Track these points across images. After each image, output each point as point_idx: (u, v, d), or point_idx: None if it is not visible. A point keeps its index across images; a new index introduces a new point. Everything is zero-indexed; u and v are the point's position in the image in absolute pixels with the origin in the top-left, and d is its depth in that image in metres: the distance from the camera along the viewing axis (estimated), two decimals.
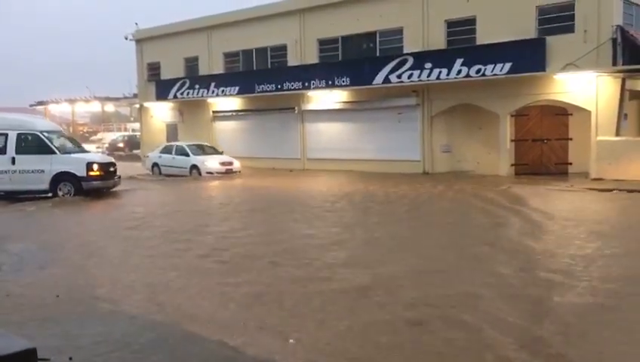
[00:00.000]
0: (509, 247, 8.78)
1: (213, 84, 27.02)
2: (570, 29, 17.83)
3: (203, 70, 28.45)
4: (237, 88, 26.04)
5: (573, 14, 17.77)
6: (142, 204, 15.69)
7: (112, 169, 17.03)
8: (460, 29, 20.19)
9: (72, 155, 16.44)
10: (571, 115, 18.87)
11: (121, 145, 40.57)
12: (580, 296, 6.28)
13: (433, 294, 6.46)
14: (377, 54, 22.39)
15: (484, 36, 19.43)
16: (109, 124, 64.19)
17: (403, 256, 8.54)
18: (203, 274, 7.54)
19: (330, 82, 22.73)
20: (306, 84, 23.46)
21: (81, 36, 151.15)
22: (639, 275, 7.19)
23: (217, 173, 21.89)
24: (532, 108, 19.32)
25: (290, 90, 23.98)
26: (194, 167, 22.36)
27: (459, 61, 19.27)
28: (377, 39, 22.51)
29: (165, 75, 30.07)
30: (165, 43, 29.96)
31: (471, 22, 19.89)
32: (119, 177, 17.55)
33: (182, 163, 22.76)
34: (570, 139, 19.10)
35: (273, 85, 24.57)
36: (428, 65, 19.97)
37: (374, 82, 21.29)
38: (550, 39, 17.98)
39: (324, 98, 23.74)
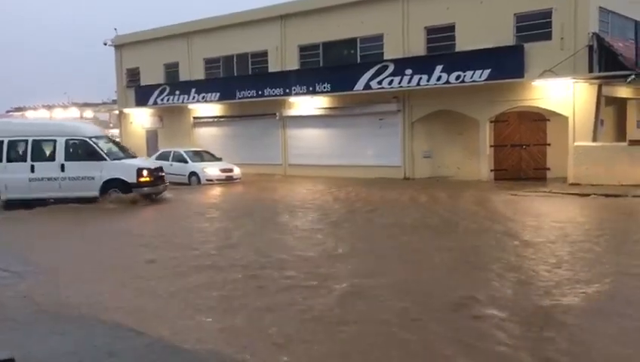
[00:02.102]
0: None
1: (193, 90, 26.91)
2: (547, 37, 18.10)
3: (183, 76, 28.32)
4: (218, 94, 25.97)
5: (551, 22, 18.04)
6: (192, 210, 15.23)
7: (160, 174, 16.68)
8: (440, 36, 20.39)
9: (122, 161, 16.19)
10: (549, 120, 19.14)
11: None
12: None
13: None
14: (358, 61, 22.50)
15: (463, 43, 19.64)
16: None
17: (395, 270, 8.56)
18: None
19: (311, 88, 22.78)
20: (287, 90, 23.48)
21: (59, 42, 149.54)
22: None
23: (217, 180, 21.11)
24: (511, 114, 19.55)
25: (271, 96, 23.98)
26: (193, 174, 21.54)
27: (439, 67, 19.45)
28: (358, 45, 22.62)
29: (145, 80, 29.88)
30: (145, 49, 29.79)
31: (450, 29, 20.10)
32: (167, 183, 17.24)
33: (180, 170, 21.82)
34: (549, 144, 19.35)
35: (254, 91, 24.54)
36: (408, 71, 20.12)
37: (355, 88, 21.38)
38: (528, 46, 18.24)
39: (306, 104, 23.78)
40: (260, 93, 24.32)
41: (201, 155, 23.10)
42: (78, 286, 7.37)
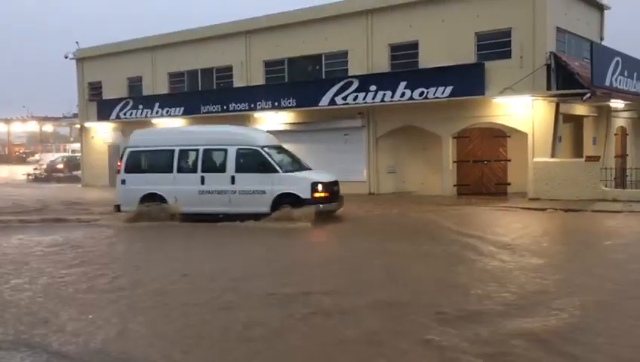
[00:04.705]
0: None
1: (157, 105, 26.59)
2: (507, 55, 18.56)
3: (147, 90, 27.98)
4: (182, 109, 25.72)
5: (510, 41, 18.51)
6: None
7: (335, 188, 14.93)
8: (403, 53, 20.70)
9: (295, 174, 14.59)
10: (509, 137, 19.55)
11: (60, 166, 39.26)
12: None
13: None
14: (323, 76, 22.62)
15: (426, 60, 19.97)
16: (48, 145, 62.21)
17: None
18: None
19: (276, 103, 22.77)
20: (252, 105, 23.42)
21: (19, 54, 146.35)
22: None
23: None
24: (473, 131, 19.91)
25: (237, 111, 23.85)
26: None
27: (402, 84, 19.70)
28: (323, 62, 22.76)
29: (107, 94, 29.42)
30: (107, 62, 29.37)
31: (413, 46, 20.42)
32: (342, 198, 15.28)
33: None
34: (509, 160, 19.76)
35: (219, 106, 24.39)
36: (373, 87, 20.32)
37: (320, 104, 21.47)
38: (489, 64, 18.64)
39: (271, 119, 23.73)
40: (224, 108, 24.19)
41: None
42: None
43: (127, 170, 15.64)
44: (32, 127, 58.16)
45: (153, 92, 27.50)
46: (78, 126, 31.95)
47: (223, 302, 7.19)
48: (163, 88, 27.42)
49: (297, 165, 15.39)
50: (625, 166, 21.94)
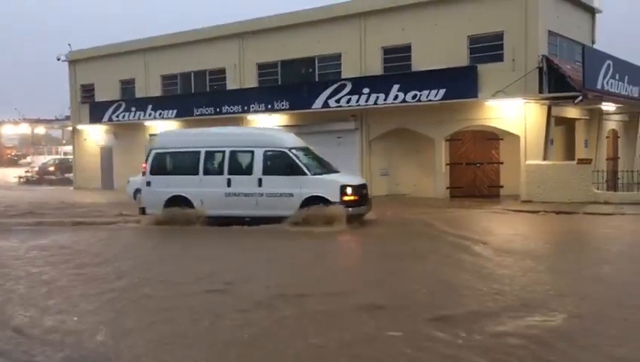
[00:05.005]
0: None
1: (150, 107, 26.53)
2: (499, 58, 18.65)
3: (139, 93, 27.92)
4: (175, 111, 25.66)
5: (502, 44, 18.61)
6: None
7: (364, 192, 14.41)
8: (396, 56, 20.74)
9: (323, 177, 14.11)
10: (502, 139, 19.61)
11: (52, 169, 39.05)
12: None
13: None
14: (316, 79, 22.65)
15: (419, 63, 20.03)
16: (40, 147, 61.98)
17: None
18: None
19: (269, 106, 22.77)
20: (246, 107, 23.40)
21: (19, 54, 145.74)
22: None
23: None
24: (465, 133, 19.97)
25: (230, 113, 23.83)
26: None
27: (395, 87, 19.75)
28: (316, 64, 22.79)
29: (100, 97, 29.34)
30: (100, 65, 29.28)
31: (406, 49, 20.48)
32: (371, 201, 14.83)
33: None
34: (502, 162, 19.81)
35: (212, 108, 24.37)
36: (366, 90, 20.36)
37: (314, 106, 21.49)
38: (481, 67, 18.72)
39: (264, 122, 23.72)
40: (217, 110, 24.16)
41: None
42: None
43: (153, 172, 15.32)
44: (24, 129, 57.96)
45: (146, 94, 27.44)
46: (71, 128, 31.86)
47: (218, 302, 7.17)
48: (156, 91, 27.36)
49: (325, 167, 14.92)
50: (616, 168, 22.07)
